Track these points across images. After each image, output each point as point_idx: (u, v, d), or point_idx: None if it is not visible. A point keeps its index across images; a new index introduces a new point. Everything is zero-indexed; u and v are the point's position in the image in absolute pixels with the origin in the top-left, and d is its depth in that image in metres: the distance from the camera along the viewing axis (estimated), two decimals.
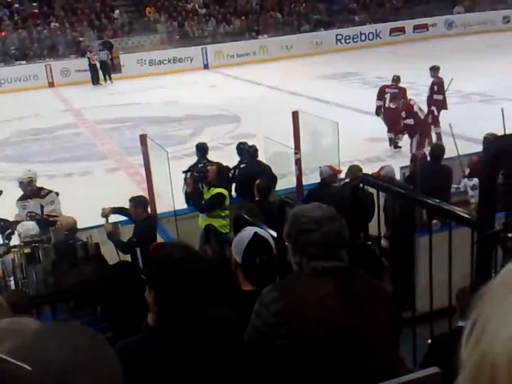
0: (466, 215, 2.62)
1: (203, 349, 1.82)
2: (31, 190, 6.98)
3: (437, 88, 11.21)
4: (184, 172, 6.96)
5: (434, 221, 4.61)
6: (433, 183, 5.99)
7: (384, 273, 3.70)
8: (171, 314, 1.83)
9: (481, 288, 0.59)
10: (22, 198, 6.98)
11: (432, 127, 10.86)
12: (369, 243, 3.12)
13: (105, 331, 2.51)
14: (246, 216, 3.69)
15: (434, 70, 11.33)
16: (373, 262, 3.06)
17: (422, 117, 10.50)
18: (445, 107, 11.15)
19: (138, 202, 6.17)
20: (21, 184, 7.02)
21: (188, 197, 6.72)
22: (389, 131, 11.25)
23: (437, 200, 2.82)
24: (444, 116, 11.92)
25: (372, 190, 3.31)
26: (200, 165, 7.15)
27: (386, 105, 11.22)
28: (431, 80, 11.58)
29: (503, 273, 0.58)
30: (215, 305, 2.44)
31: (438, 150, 7.02)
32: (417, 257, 4.29)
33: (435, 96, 11.16)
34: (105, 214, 6.14)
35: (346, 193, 3.37)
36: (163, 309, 1.86)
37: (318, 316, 1.88)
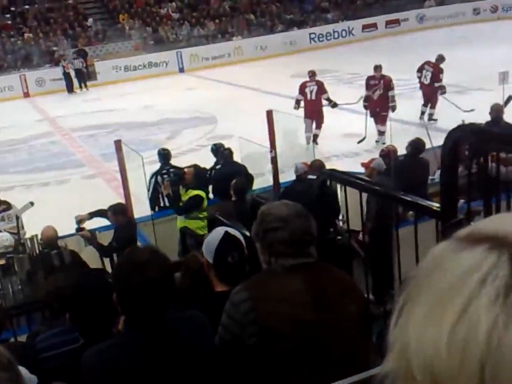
0: (429, 206, 2.66)
1: (169, 353, 1.80)
2: None
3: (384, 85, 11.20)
4: (150, 178, 7.06)
5: (410, 212, 4.67)
6: (411, 176, 6.06)
7: (363, 266, 3.73)
8: (136, 318, 1.82)
9: (412, 271, 0.59)
10: None
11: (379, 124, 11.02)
12: (339, 237, 3.14)
13: (77, 340, 2.49)
14: (219, 217, 3.70)
15: (376, 68, 11.34)
16: (344, 256, 3.09)
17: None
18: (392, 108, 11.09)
19: (116, 210, 6.21)
20: None
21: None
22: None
23: (402, 193, 2.86)
24: (417, 108, 12.08)
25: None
26: (163, 171, 7.27)
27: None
28: (404, 74, 11.72)
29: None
30: (188, 308, 2.43)
31: (417, 144, 7.05)
32: (394, 249, 4.34)
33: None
34: (79, 220, 6.11)
35: (314, 189, 3.40)
36: (127, 314, 1.85)
37: (287, 313, 1.89)
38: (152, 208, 7.23)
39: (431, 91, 11.60)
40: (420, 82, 12.02)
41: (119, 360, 1.78)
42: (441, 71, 11.74)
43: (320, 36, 25.42)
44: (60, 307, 2.83)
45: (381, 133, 11.01)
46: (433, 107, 11.82)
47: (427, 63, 11.98)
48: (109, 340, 1.91)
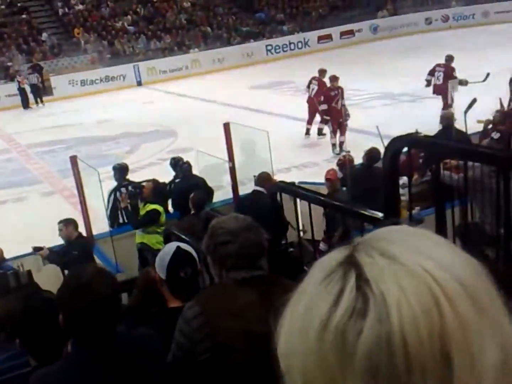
0: (374, 215, 2.78)
1: (118, 372, 1.78)
2: None
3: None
4: (109, 195, 7.05)
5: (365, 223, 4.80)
6: (365, 185, 6.19)
7: None
8: (83, 338, 1.80)
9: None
10: None
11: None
12: (291, 249, 3.22)
13: (28, 364, 2.45)
14: (175, 231, 3.75)
15: (334, 79, 11.41)
16: (296, 267, 3.17)
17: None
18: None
19: (68, 222, 6.22)
20: None
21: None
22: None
23: (349, 204, 2.99)
24: (373, 118, 12.35)
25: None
26: (121, 187, 7.27)
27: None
28: (361, 84, 11.89)
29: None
30: (141, 325, 2.44)
31: (372, 153, 7.08)
32: None
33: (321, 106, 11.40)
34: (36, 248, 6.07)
35: (262, 202, 3.48)
36: (73, 334, 1.83)
37: (239, 327, 1.90)
38: (111, 225, 7.21)
39: (446, 88, 11.64)
40: (434, 84, 12.08)
41: (66, 381, 1.77)
42: (453, 69, 11.87)
43: (277, 47, 25.68)
44: (11, 331, 2.81)
45: (342, 144, 11.21)
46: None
47: (438, 65, 12.11)
48: (57, 362, 1.89)
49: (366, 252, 0.56)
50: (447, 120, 8.06)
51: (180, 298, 2.51)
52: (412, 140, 2.90)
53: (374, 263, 0.54)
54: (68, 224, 6.11)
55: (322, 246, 5.35)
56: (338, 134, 11.21)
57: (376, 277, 0.53)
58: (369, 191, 5.81)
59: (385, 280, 0.53)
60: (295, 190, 3.28)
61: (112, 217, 7.38)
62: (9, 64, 22.59)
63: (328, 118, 11.30)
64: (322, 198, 3.26)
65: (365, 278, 0.53)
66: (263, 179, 6.09)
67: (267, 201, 4.69)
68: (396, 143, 2.70)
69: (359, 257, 0.55)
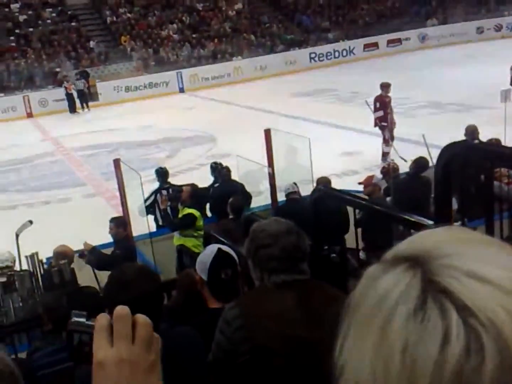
0: (424, 223, 2.70)
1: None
2: None
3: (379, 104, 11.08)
4: (149, 196, 7.14)
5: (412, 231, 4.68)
6: (412, 195, 6.04)
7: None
8: None
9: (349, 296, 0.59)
10: None
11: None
12: (334, 255, 3.17)
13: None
14: (214, 234, 3.75)
15: (387, 87, 11.13)
16: (338, 274, 3.11)
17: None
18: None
19: (118, 222, 6.35)
20: None
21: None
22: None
23: (397, 210, 2.91)
24: (420, 127, 12.12)
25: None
26: (162, 189, 7.35)
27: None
28: (407, 92, 11.54)
29: (361, 279, 0.58)
30: (182, 324, 2.45)
31: (420, 162, 6.90)
32: None
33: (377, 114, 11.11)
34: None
35: (301, 207, 3.44)
36: None
37: (279, 330, 1.88)
38: (146, 215, 7.28)
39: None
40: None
41: None
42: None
43: (321, 55, 25.63)
44: (55, 325, 2.87)
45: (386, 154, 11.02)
46: None
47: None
48: None
49: (448, 275, 0.52)
50: (472, 133, 7.79)
51: (220, 300, 2.52)
52: (466, 146, 2.81)
53: (467, 288, 0.50)
54: (118, 223, 6.25)
55: (362, 255, 5.26)
56: (393, 142, 10.99)
57: (478, 305, 0.49)
58: (416, 200, 5.67)
59: (488, 306, 0.49)
60: (339, 195, 3.22)
61: (148, 211, 7.45)
62: (58, 70, 23.27)
63: (385, 124, 11.09)
64: (369, 203, 3.20)
65: (466, 307, 0.49)
66: (323, 183, 6.04)
67: (307, 206, 4.65)
68: (449, 149, 2.62)
69: (444, 282, 0.51)
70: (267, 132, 7.70)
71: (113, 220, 6.30)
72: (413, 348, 0.49)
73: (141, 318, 0.76)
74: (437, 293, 0.50)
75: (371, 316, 0.53)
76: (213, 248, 2.69)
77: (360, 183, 6.55)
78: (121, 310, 0.76)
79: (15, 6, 26.06)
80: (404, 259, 0.54)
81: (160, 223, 7.57)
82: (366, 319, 0.54)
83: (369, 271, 0.57)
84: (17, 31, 25.12)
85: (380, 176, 6.60)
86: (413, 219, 2.97)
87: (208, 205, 7.58)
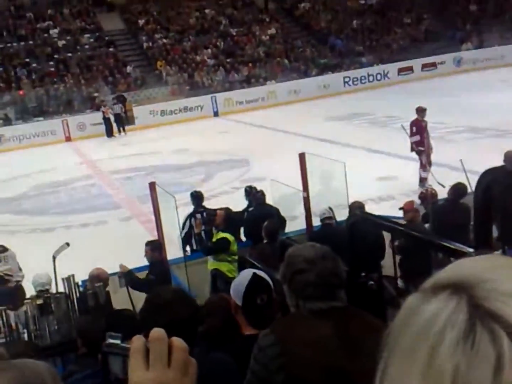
0: (464, 250, 2.63)
1: None
2: None
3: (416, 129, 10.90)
4: (184, 221, 7.18)
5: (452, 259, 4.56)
6: (451, 221, 5.90)
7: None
8: None
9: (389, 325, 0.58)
10: None
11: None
12: (371, 283, 3.09)
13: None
14: (249, 258, 3.73)
15: (420, 111, 10.96)
16: (377, 303, 3.03)
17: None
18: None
19: (154, 246, 6.44)
20: None
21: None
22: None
23: (436, 237, 2.84)
24: (457, 152, 11.90)
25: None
26: (197, 213, 7.40)
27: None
28: (444, 117, 11.36)
29: (400, 309, 0.58)
30: (216, 350, 2.42)
31: (459, 189, 6.79)
32: None
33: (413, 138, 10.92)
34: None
35: (337, 232, 3.39)
36: None
37: (316, 359, 1.85)
38: (184, 248, 7.33)
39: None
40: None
41: None
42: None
43: (355, 79, 25.63)
44: (90, 348, 2.87)
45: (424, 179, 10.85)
46: None
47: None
48: None
49: (496, 299, 0.50)
50: (511, 159, 7.56)
51: (255, 326, 2.48)
52: (505, 172, 2.74)
53: None
54: (153, 247, 6.31)
55: (400, 283, 5.13)
56: (431, 167, 10.82)
57: None
58: (455, 227, 5.52)
59: None
60: (376, 221, 3.16)
61: (185, 241, 7.50)
62: (96, 94, 23.86)
63: (422, 149, 10.94)
64: (408, 230, 3.13)
65: None
66: (356, 208, 5.97)
67: (342, 231, 4.58)
68: (488, 175, 2.55)
69: (492, 306, 0.50)
70: (302, 156, 7.68)
71: (149, 243, 6.37)
72: (465, 374, 0.48)
73: (177, 341, 0.74)
74: (486, 318, 0.49)
75: (417, 343, 0.52)
76: (248, 272, 2.66)
77: (401, 209, 6.42)
78: (157, 332, 0.75)
79: (54, 32, 26.98)
80: (446, 286, 0.53)
81: (194, 247, 7.59)
82: (411, 346, 0.52)
83: (409, 300, 0.57)
84: (56, 56, 25.95)
85: (418, 201, 6.47)
86: (453, 247, 2.90)
87: (242, 229, 7.57)
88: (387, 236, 3.65)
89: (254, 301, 2.52)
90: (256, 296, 2.54)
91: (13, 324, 5.02)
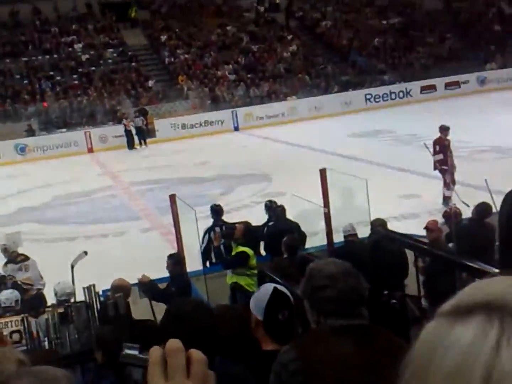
0: (489, 271, 2.59)
1: None
2: (9, 256, 7.50)
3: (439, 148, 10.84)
4: (204, 234, 7.20)
5: (476, 279, 4.45)
6: (475, 241, 5.81)
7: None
8: None
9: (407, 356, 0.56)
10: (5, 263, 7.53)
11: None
12: (394, 301, 3.05)
13: None
14: (269, 273, 3.71)
15: (443, 129, 10.88)
16: (400, 321, 2.98)
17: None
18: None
19: (176, 259, 6.46)
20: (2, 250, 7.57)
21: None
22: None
23: (461, 256, 2.81)
24: (481, 171, 11.74)
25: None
26: (216, 227, 7.41)
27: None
28: (467, 136, 11.24)
29: (419, 339, 0.55)
30: (236, 365, 2.41)
31: (484, 208, 6.63)
32: None
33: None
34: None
35: (358, 249, 3.35)
36: None
37: (337, 377, 1.83)
38: (203, 263, 7.35)
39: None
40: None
41: None
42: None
43: (377, 96, 25.56)
44: (109, 358, 2.87)
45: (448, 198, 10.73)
46: None
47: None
48: None
49: None
50: None
51: (276, 341, 2.45)
52: None
53: None
54: (175, 261, 6.36)
55: (424, 303, 5.05)
56: (455, 186, 10.71)
57: None
58: (480, 247, 5.44)
59: None
60: (400, 238, 3.13)
61: (205, 256, 7.51)
62: (118, 107, 24.17)
63: (446, 168, 10.85)
64: (432, 249, 3.09)
65: None
66: (378, 225, 5.91)
67: (365, 248, 4.54)
68: None
69: None
70: (323, 172, 7.67)
71: (171, 257, 6.40)
72: None
73: (196, 353, 0.74)
74: None
75: (464, 372, 0.49)
76: (269, 287, 2.63)
77: (425, 228, 6.33)
78: (174, 343, 0.74)
79: (78, 46, 27.46)
80: (476, 308, 0.51)
81: (214, 260, 7.59)
82: (453, 377, 0.49)
83: (428, 330, 0.54)
84: (80, 70, 26.39)
85: (442, 220, 6.39)
86: (477, 267, 2.86)
87: (262, 244, 7.56)
88: (409, 254, 3.60)
89: (275, 316, 2.49)
90: (278, 311, 2.51)
91: (34, 332, 5.07)
